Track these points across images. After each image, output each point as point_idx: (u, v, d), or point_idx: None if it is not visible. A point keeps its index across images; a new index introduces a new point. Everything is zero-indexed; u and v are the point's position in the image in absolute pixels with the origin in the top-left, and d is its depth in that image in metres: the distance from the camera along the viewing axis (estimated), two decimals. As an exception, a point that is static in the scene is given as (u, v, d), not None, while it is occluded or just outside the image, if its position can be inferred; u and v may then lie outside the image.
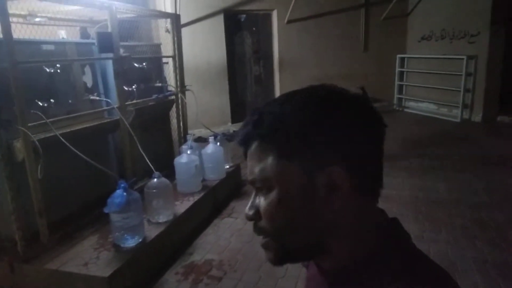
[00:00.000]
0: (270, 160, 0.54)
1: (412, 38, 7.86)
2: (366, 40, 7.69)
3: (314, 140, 0.51)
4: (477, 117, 6.62)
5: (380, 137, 0.56)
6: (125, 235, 2.40)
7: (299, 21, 7.06)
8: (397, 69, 7.92)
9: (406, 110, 7.88)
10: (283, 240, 0.56)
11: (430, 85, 7.26)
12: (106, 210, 2.33)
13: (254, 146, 0.55)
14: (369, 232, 0.56)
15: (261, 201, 0.56)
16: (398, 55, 7.86)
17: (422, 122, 6.86)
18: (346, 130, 0.52)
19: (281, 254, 0.58)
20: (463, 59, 6.46)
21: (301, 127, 0.51)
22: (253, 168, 0.56)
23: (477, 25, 6.40)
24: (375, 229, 0.56)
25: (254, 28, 7.07)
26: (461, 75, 6.53)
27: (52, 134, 2.36)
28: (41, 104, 2.45)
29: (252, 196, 0.58)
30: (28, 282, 2.27)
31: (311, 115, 0.51)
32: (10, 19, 2.16)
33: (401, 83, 8.03)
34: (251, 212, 0.58)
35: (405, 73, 8.00)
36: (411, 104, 7.94)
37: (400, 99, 8.08)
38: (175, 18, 3.88)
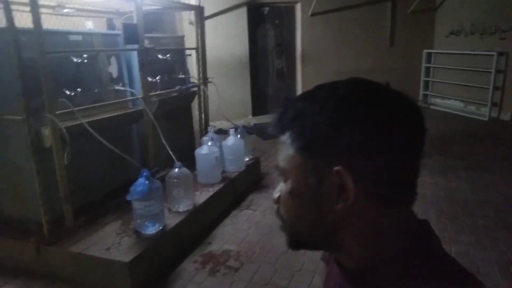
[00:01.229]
0: (288, 152, 0.55)
1: (440, 32, 7.62)
2: (392, 34, 7.50)
3: (325, 138, 0.50)
4: (506, 116, 6.39)
5: (411, 144, 0.52)
6: (146, 222, 2.46)
7: (323, 14, 6.95)
8: (424, 65, 7.72)
9: (431, 107, 7.67)
10: (293, 227, 0.58)
11: (457, 82, 7.04)
12: (128, 198, 2.40)
13: (280, 136, 0.56)
14: (392, 236, 0.54)
15: (282, 188, 0.59)
16: (425, 50, 7.65)
17: (448, 120, 6.67)
18: (359, 132, 0.49)
19: (293, 240, 0.60)
20: (493, 55, 6.23)
21: (315, 124, 0.51)
22: (278, 156, 0.58)
23: (509, 21, 6.14)
24: (401, 233, 0.54)
25: (277, 21, 7.02)
26: (491, 72, 6.29)
27: (78, 122, 2.43)
28: (68, 93, 2.52)
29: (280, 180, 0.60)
30: (52, 263, 2.36)
31: (326, 113, 0.50)
32: (40, 10, 2.23)
33: (427, 79, 7.82)
34: (276, 196, 0.60)
35: (431, 69, 7.79)
36: (437, 101, 7.73)
37: (425, 96, 7.88)
38: (198, 10, 3.90)
